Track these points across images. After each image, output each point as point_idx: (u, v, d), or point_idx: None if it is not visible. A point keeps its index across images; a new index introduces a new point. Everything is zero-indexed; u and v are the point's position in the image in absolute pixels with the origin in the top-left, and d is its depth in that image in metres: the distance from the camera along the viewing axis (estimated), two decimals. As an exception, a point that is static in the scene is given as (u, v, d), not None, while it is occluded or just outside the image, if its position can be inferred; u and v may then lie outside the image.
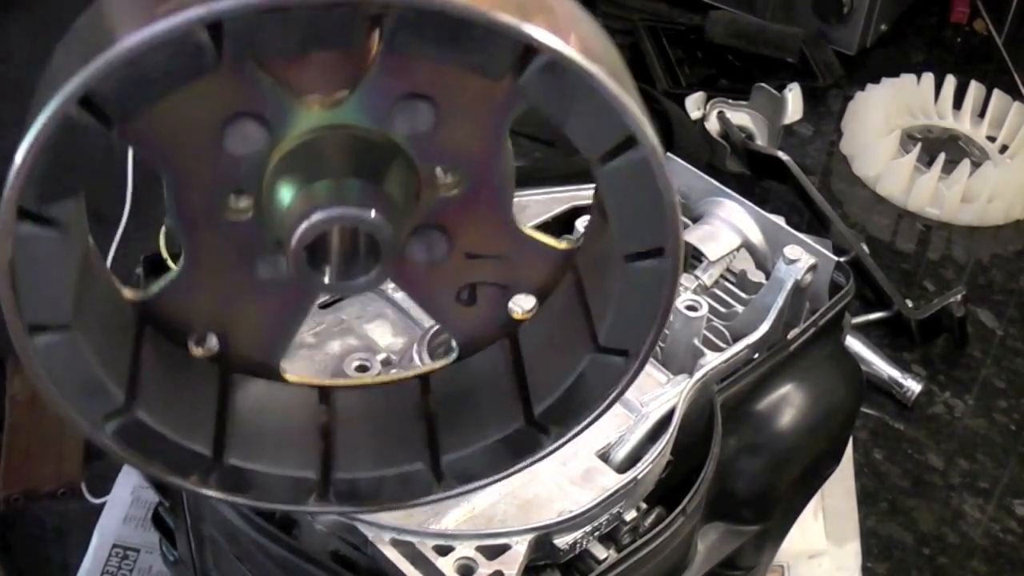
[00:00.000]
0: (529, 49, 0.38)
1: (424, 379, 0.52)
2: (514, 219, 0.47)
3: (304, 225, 0.40)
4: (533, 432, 0.50)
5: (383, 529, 0.55)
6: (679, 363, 0.66)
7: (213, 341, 0.48)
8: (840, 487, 0.93)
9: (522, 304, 0.50)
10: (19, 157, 0.38)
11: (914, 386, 1.03)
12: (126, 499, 0.91)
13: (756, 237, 0.75)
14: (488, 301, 0.49)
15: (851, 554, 0.90)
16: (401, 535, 0.54)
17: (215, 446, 0.48)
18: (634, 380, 0.48)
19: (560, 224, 0.76)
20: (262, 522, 0.56)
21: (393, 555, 0.54)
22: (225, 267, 0.46)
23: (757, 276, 0.73)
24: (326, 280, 0.43)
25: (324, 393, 0.52)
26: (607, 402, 0.48)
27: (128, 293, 0.47)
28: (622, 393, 0.48)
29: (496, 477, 0.50)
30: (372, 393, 0.53)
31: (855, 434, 0.98)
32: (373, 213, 0.40)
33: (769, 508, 0.70)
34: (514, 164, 0.46)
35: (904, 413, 1.03)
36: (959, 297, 1.07)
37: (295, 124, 0.42)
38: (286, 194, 0.41)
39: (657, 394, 0.63)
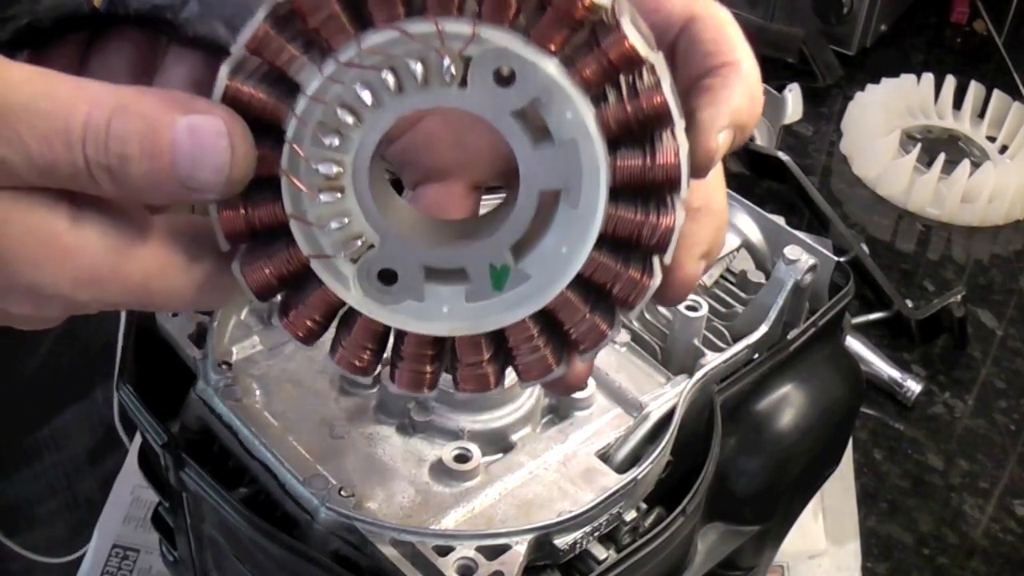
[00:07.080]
0: None
1: None
2: None
3: None
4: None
5: (383, 529, 0.55)
6: (679, 363, 0.66)
7: None
8: (840, 487, 0.93)
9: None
10: None
11: (914, 386, 1.03)
12: (126, 499, 0.91)
13: (756, 237, 0.75)
14: None
15: (851, 554, 0.90)
16: (401, 535, 0.54)
17: None
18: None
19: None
20: (262, 522, 0.56)
21: (393, 555, 0.54)
22: None
23: (757, 276, 0.73)
24: None
25: None
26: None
27: None
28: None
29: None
30: None
31: (855, 434, 0.98)
32: None
33: (769, 508, 0.70)
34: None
35: (904, 413, 1.03)
36: (959, 297, 1.07)
37: None
38: None
39: (657, 394, 0.63)
